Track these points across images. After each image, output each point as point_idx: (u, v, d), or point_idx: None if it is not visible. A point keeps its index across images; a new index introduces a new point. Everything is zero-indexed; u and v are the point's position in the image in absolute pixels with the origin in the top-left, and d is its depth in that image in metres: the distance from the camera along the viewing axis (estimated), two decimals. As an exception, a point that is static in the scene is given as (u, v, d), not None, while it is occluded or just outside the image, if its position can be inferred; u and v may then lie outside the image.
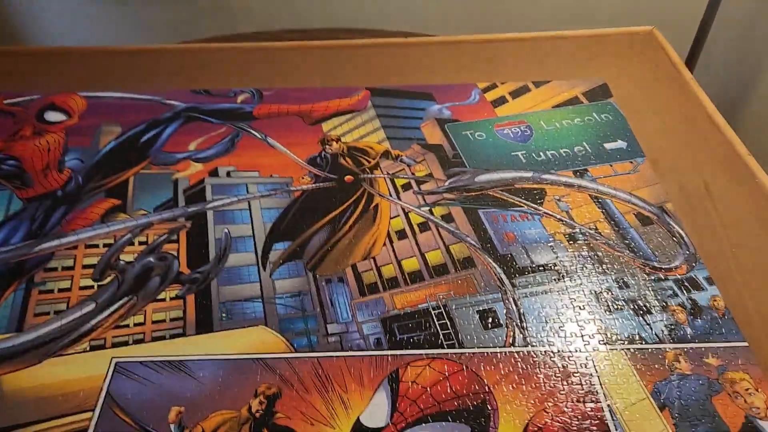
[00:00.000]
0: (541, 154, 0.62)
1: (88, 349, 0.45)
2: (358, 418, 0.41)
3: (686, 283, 0.50)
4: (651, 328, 0.47)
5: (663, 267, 0.51)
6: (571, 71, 0.73)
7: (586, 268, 0.51)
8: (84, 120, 0.65)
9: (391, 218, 0.56)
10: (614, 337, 0.46)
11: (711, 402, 0.42)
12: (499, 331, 0.47)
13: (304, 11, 1.00)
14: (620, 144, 0.63)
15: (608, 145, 0.63)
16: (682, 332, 0.47)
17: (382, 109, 0.68)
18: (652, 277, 0.51)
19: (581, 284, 0.50)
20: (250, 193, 0.58)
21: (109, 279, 0.50)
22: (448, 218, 0.56)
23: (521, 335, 0.46)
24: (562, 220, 0.55)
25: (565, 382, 0.43)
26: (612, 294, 0.49)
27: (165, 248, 0.52)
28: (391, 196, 0.58)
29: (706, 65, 0.98)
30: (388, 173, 0.60)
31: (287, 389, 0.42)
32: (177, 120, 0.66)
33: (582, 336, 0.47)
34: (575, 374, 0.44)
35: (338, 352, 0.45)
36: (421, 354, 0.45)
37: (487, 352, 0.45)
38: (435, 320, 0.47)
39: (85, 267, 0.51)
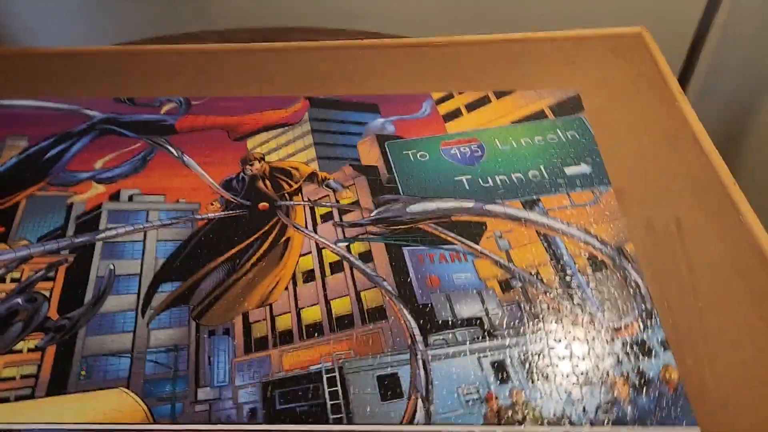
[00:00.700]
0: (489, 179, 0.54)
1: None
2: None
3: (636, 347, 0.42)
4: (583, 407, 0.39)
5: (610, 325, 0.43)
6: (541, 80, 0.64)
7: (518, 324, 0.43)
8: (-13, 132, 0.59)
9: (301, 255, 0.48)
10: (536, 417, 0.38)
11: None
12: (399, 403, 0.39)
13: (272, 7, 0.92)
14: (583, 168, 0.54)
15: (569, 170, 0.54)
16: (621, 412, 0.39)
17: (318, 123, 0.60)
18: (596, 338, 0.42)
19: (508, 346, 0.42)
20: (148, 222, 0.51)
21: (-33, 323, 0.44)
22: (366, 257, 0.48)
23: (424, 409, 0.39)
24: (499, 263, 0.47)
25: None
26: (543, 359, 0.41)
27: (39, 287, 0.46)
28: (306, 228, 0.50)
29: (712, 72, 0.87)
30: (309, 200, 0.53)
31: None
32: (90, 133, 0.60)
33: (498, 413, 0.39)
34: (481, 464, 0.36)
35: (203, 424, 0.38)
36: (301, 430, 0.38)
37: (379, 431, 0.38)
38: (326, 386, 0.40)
39: (-55, 308, 0.45)
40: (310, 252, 0.49)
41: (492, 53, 0.66)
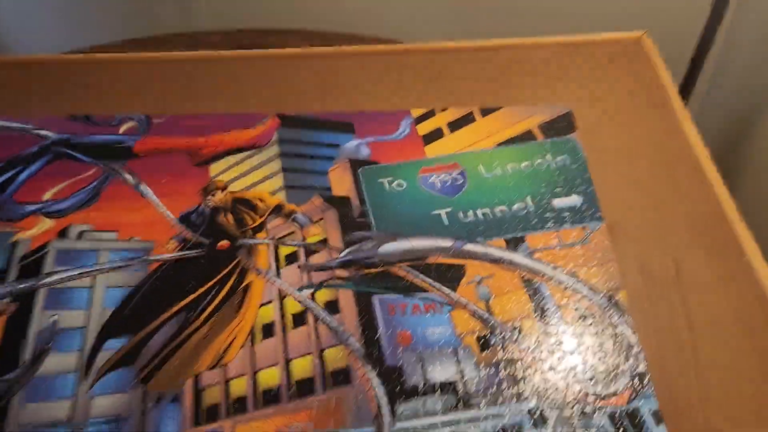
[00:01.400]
0: (470, 213, 0.49)
1: None
2: None
3: (625, 420, 0.38)
4: (564, 493, 0.35)
5: (598, 393, 0.39)
6: (530, 93, 0.59)
7: (495, 391, 0.39)
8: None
9: (261, 305, 0.44)
10: (513, 504, 0.35)
11: None
12: (361, 487, 0.36)
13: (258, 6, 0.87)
14: (574, 200, 0.50)
15: (558, 202, 0.50)
16: (606, 500, 0.35)
17: (288, 146, 0.55)
18: (582, 408, 0.38)
19: (483, 418, 0.38)
20: (98, 264, 0.47)
21: None
22: (332, 307, 0.44)
23: (388, 496, 0.35)
24: (478, 314, 0.43)
25: None
26: (522, 433, 0.37)
27: (-26, 343, 0.42)
28: (269, 271, 0.46)
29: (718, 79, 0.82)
30: (273, 237, 0.48)
31: None
32: (43, 157, 0.55)
33: (470, 500, 0.35)
34: None
35: None
36: None
37: None
38: (281, 466, 0.36)
39: None
40: (271, 301, 0.44)
41: (478, 62, 0.61)
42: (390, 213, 0.49)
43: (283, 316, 0.43)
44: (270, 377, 0.41)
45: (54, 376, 0.41)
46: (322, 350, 0.42)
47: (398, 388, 0.39)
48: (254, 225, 0.49)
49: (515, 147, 0.54)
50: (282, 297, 0.44)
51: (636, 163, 0.52)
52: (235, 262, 0.47)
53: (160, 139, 0.56)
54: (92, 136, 0.57)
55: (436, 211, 0.49)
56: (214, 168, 0.54)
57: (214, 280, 0.45)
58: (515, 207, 0.49)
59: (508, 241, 0.47)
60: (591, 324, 0.42)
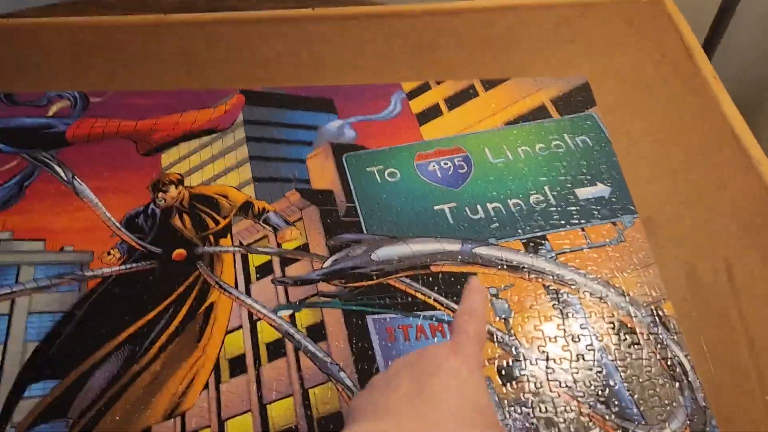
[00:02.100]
0: (479, 208, 0.41)
1: None
2: None
3: (687, 471, 0.30)
4: None
5: (651, 436, 0.32)
6: (539, 63, 0.50)
7: (525, 437, 0.31)
8: None
9: (227, 333, 0.36)
10: None
11: None
12: None
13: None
14: (600, 190, 0.42)
15: (582, 192, 0.42)
16: None
17: (256, 128, 0.46)
18: (632, 456, 0.31)
19: (513, 474, 0.30)
20: (18, 283, 0.37)
21: None
22: (317, 332, 0.35)
23: None
24: (497, 338, 0.35)
25: None
26: (563, 493, 0.30)
27: None
28: (237, 287, 0.37)
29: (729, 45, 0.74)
30: (240, 244, 0.40)
31: None
32: (-46, 146, 0.45)
33: None
34: None
35: None
36: None
37: None
38: None
39: None
40: (240, 326, 0.36)
41: (478, 27, 0.52)
42: (383, 210, 0.41)
43: (255, 346, 0.35)
44: (241, 428, 0.32)
45: (-40, 436, 0.32)
46: (306, 390, 0.33)
47: (404, 437, 0.31)
48: (217, 228, 0.40)
49: (526, 126, 0.46)
50: (253, 321, 0.36)
51: (668, 145, 0.45)
52: (193, 276, 0.38)
53: (99, 123, 0.46)
54: (13, 119, 0.47)
55: (439, 207, 0.41)
56: (166, 157, 0.44)
57: (168, 300, 0.37)
58: (532, 200, 0.41)
59: (526, 244, 0.39)
60: (635, 346, 0.34)
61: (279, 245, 0.39)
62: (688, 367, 0.34)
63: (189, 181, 0.43)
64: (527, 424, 0.32)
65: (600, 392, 0.33)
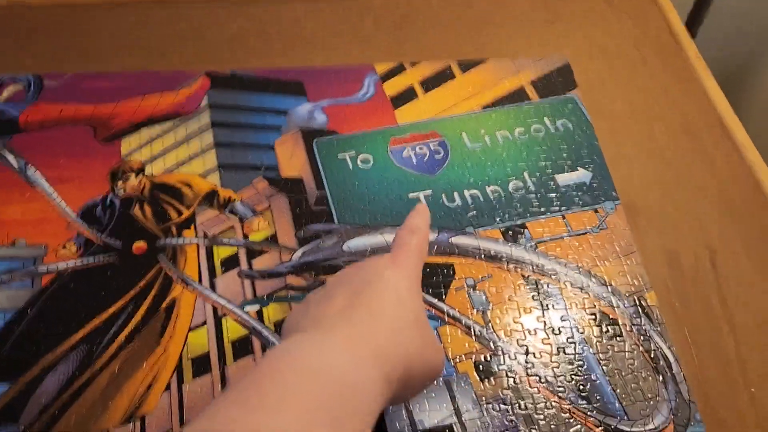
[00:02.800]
0: (456, 195, 0.39)
1: None
2: None
3: (671, 468, 0.29)
4: None
5: (633, 431, 0.30)
6: (519, 43, 0.49)
7: (504, 436, 0.30)
8: None
9: (190, 329, 0.34)
10: None
11: None
12: None
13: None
14: (581, 175, 0.41)
15: (562, 178, 0.40)
16: None
17: (222, 113, 0.44)
18: (615, 453, 0.30)
19: (491, 476, 0.29)
20: (-34, 280, 0.35)
21: None
22: (286, 328, 0.34)
23: None
24: (474, 331, 0.34)
25: None
26: (543, 494, 0.29)
27: None
28: (201, 281, 0.35)
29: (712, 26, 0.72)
30: (205, 235, 0.37)
31: None
32: None
33: None
34: None
35: None
36: None
37: None
38: None
39: None
40: (204, 323, 0.34)
41: (454, 5, 0.50)
42: (355, 198, 0.39)
43: (220, 343, 0.33)
44: None
45: None
46: (274, 390, 0.31)
47: (378, 438, 0.30)
48: (180, 219, 0.38)
49: (505, 109, 0.44)
50: (218, 317, 0.34)
51: (651, 128, 0.43)
52: (155, 270, 0.36)
53: (55, 107, 0.44)
54: (-37, 105, 0.44)
55: (414, 194, 0.39)
56: (126, 144, 0.42)
57: (128, 296, 0.34)
58: (511, 186, 0.40)
59: (504, 232, 0.38)
60: (617, 338, 0.33)
61: (246, 236, 0.37)
62: (671, 359, 0.32)
63: (150, 169, 0.40)
64: (506, 422, 0.30)
65: (581, 387, 0.31)
